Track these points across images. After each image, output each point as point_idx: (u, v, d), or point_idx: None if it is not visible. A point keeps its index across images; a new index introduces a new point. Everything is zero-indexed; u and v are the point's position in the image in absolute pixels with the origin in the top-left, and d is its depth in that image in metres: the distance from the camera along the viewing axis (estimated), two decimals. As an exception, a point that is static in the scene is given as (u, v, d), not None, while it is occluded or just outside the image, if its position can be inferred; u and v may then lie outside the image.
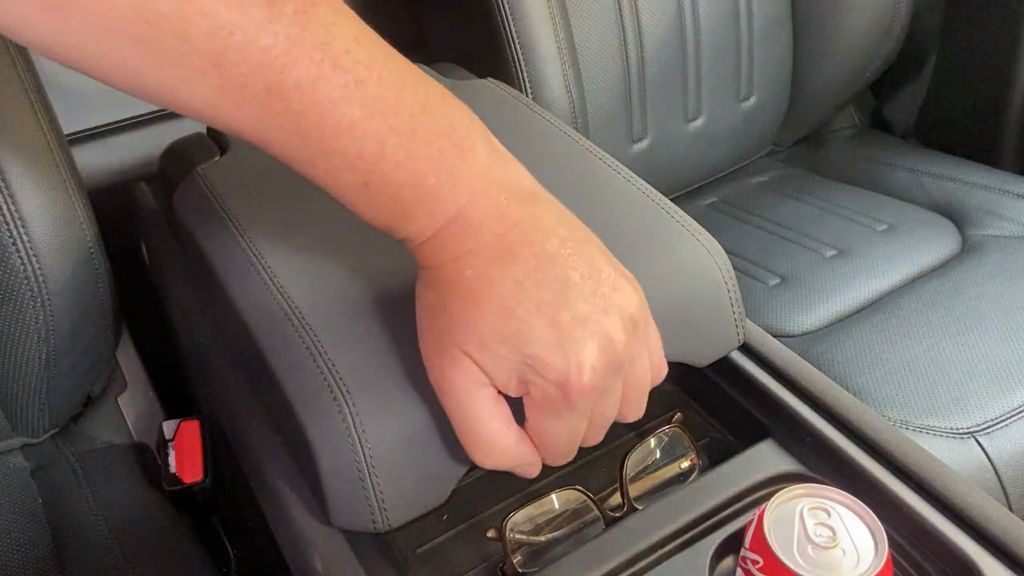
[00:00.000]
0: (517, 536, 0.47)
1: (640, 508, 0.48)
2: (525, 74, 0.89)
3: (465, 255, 0.38)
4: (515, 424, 0.41)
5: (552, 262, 0.38)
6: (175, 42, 0.33)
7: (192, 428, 0.63)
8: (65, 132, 0.64)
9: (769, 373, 0.54)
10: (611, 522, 0.48)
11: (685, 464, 0.53)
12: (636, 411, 0.44)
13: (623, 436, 0.57)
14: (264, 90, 0.34)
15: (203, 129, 0.68)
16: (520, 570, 0.47)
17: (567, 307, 0.38)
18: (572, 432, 0.41)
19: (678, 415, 0.55)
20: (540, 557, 0.48)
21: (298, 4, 0.34)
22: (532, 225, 0.39)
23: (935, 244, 0.98)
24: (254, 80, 0.34)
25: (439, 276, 0.40)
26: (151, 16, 0.32)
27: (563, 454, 0.43)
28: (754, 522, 0.41)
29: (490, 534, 0.47)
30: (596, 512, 0.49)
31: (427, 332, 0.41)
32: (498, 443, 0.41)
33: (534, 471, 0.43)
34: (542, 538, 0.48)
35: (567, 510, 0.49)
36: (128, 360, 0.78)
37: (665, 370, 0.45)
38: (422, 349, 0.42)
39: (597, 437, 0.44)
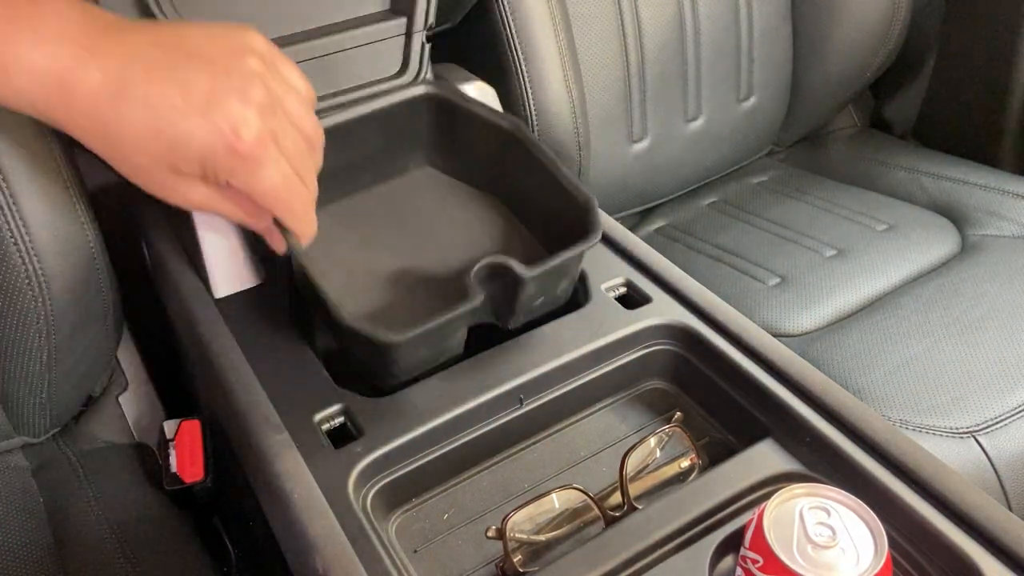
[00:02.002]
0: (517, 536, 0.48)
1: (640, 508, 0.49)
2: (525, 74, 0.89)
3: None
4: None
5: (157, 49, 0.42)
6: None
7: (193, 428, 0.63)
8: (65, 132, 0.64)
9: (769, 373, 0.54)
10: (611, 522, 0.48)
11: (685, 464, 0.53)
12: (314, 127, 0.47)
13: (624, 436, 0.57)
14: None
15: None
16: (520, 570, 0.47)
17: (187, 80, 0.41)
18: (282, 179, 0.44)
19: (678, 415, 0.55)
20: (540, 557, 0.49)
21: None
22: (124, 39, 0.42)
23: (935, 244, 0.98)
24: None
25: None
26: None
27: (290, 200, 0.46)
28: (754, 521, 0.41)
29: (490, 534, 0.47)
30: (596, 512, 0.49)
31: (121, 164, 0.44)
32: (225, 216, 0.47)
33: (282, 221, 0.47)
34: (542, 538, 0.49)
35: (567, 510, 0.49)
36: (129, 360, 0.78)
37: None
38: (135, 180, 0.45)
39: (307, 172, 0.47)
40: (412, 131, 0.66)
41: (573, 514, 0.49)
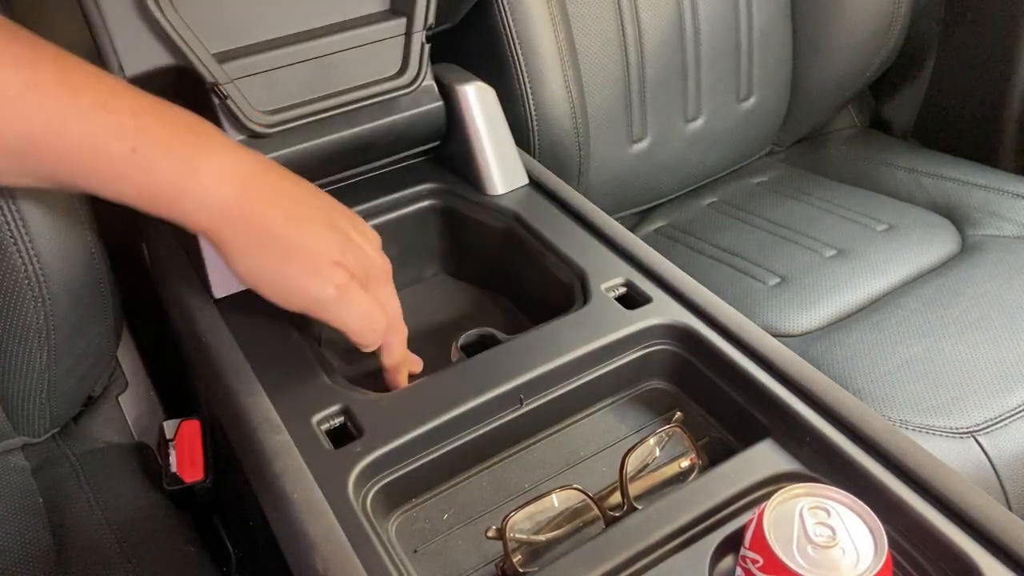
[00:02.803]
0: (517, 536, 0.48)
1: (640, 508, 0.48)
2: (525, 74, 0.89)
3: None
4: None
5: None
6: None
7: (193, 428, 0.63)
8: (65, 132, 0.64)
9: (769, 373, 0.54)
10: (611, 521, 0.48)
11: (685, 463, 0.53)
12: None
13: (624, 436, 0.57)
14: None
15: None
16: (520, 570, 0.47)
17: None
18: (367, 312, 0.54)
19: (678, 415, 0.55)
20: (540, 557, 0.49)
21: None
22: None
23: (935, 244, 0.98)
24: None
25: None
26: None
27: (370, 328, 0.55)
28: (754, 521, 0.41)
29: (490, 534, 0.47)
30: (596, 511, 0.49)
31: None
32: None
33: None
34: (542, 537, 0.49)
35: (567, 509, 0.49)
36: (129, 360, 0.79)
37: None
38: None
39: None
40: (424, 241, 0.74)
41: (573, 514, 0.49)
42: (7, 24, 0.46)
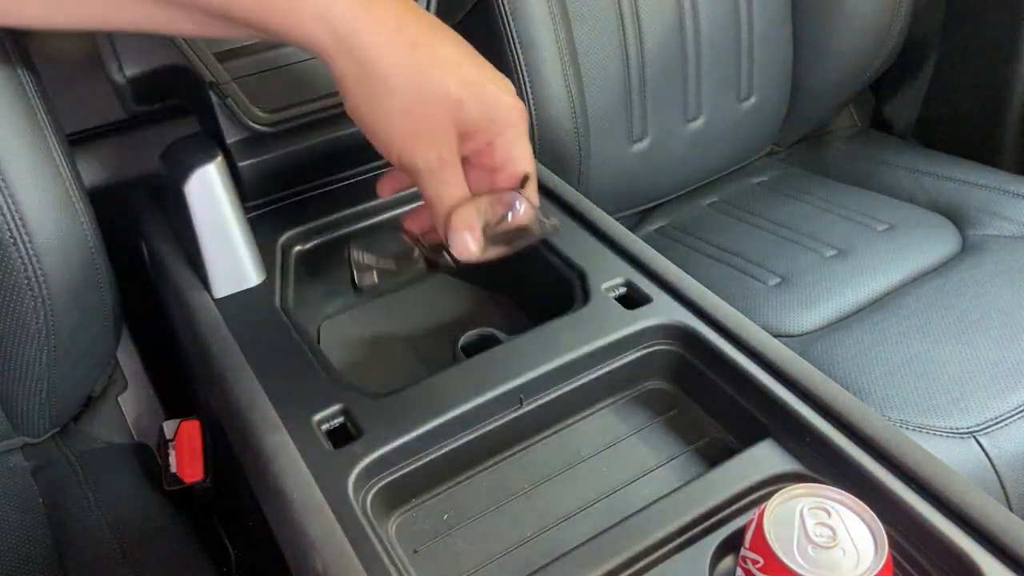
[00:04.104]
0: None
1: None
2: (525, 73, 0.89)
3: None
4: None
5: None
6: None
7: (192, 428, 0.63)
8: (65, 132, 0.64)
9: (769, 373, 0.54)
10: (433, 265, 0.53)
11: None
12: None
13: (624, 436, 0.57)
14: None
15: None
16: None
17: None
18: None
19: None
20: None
21: None
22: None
23: (935, 244, 0.98)
24: None
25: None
26: None
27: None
28: (754, 522, 0.41)
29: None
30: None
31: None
32: None
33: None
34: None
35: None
36: (128, 360, 0.79)
37: None
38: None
39: None
40: None
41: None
42: None
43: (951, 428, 0.75)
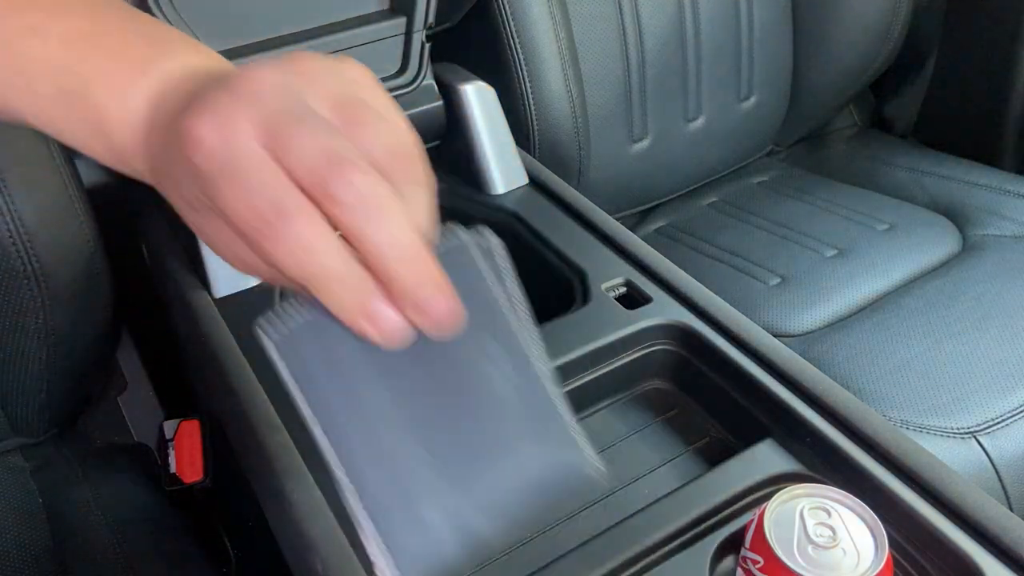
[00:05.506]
0: None
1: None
2: (525, 74, 0.89)
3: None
4: None
5: None
6: None
7: (192, 428, 0.63)
8: (65, 132, 0.64)
9: (769, 373, 0.54)
10: None
11: None
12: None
13: (624, 436, 0.57)
14: None
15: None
16: None
17: None
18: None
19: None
20: None
21: None
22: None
23: (935, 244, 0.98)
24: None
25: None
26: None
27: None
28: (754, 522, 0.41)
29: None
30: None
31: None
32: None
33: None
34: None
35: None
36: (128, 360, 0.79)
37: None
38: None
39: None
40: None
41: None
42: None
43: (951, 428, 0.75)
